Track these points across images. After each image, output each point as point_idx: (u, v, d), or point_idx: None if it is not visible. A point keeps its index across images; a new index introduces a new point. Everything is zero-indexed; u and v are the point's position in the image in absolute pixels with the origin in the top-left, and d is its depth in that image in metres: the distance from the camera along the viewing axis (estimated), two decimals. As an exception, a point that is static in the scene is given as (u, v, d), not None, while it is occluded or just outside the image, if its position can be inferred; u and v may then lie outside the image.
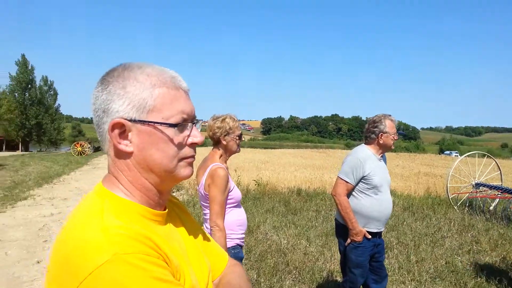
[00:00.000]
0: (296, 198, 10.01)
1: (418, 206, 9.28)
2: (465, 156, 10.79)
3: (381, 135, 3.15)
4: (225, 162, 2.68)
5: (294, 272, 4.72)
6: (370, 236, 3.11)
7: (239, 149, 2.72)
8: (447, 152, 72.69)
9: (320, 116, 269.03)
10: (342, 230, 3.25)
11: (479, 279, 4.64)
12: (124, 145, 0.82)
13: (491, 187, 9.22)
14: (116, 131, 0.81)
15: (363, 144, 3.31)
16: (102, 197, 0.81)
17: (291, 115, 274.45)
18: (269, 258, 5.09)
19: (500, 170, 10.19)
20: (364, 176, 3.08)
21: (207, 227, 2.55)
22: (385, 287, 3.39)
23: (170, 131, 0.82)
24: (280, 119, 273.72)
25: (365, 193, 3.12)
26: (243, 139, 2.74)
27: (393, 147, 3.24)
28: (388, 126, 3.16)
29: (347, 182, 3.10)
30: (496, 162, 10.22)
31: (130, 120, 0.81)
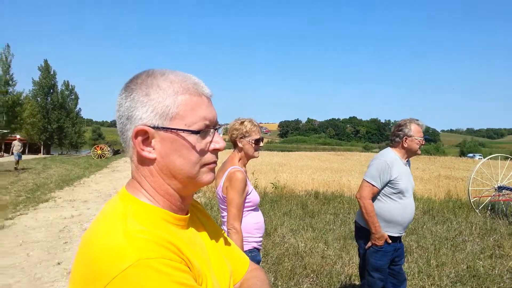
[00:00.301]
0: (314, 201, 9.95)
1: (439, 210, 9.11)
2: (487, 159, 10.57)
3: (406, 138, 3.12)
4: (244, 165, 2.68)
5: (311, 275, 4.69)
6: (390, 241, 3.07)
7: (257, 154, 2.69)
8: (470, 154, 71.17)
9: (338, 119, 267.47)
10: (362, 233, 3.21)
11: (502, 284, 4.52)
12: (147, 152, 0.83)
13: (514, 190, 9.00)
14: (140, 138, 0.82)
15: (389, 147, 3.27)
16: (126, 202, 0.82)
17: (308, 118, 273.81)
18: (286, 261, 5.06)
19: (524, 173, 9.92)
20: (391, 180, 3.04)
21: (224, 230, 2.56)
22: None
23: (193, 138, 0.83)
24: (297, 121, 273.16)
25: (390, 197, 3.08)
26: (261, 144, 2.70)
27: (419, 152, 3.18)
28: (414, 130, 3.12)
29: (373, 185, 3.05)
30: (519, 164, 9.95)
31: (153, 127, 0.81)
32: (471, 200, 9.42)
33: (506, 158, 11.04)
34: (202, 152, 0.85)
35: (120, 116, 0.84)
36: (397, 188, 3.05)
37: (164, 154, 0.83)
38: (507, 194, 9.19)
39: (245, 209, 2.57)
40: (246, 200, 2.56)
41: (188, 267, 0.77)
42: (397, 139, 3.17)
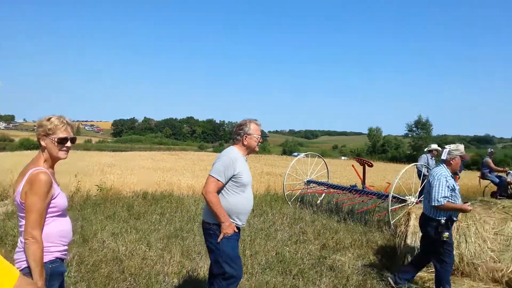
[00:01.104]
0: (141, 202, 9.71)
1: (258, 204, 9.89)
2: (301, 157, 12.06)
3: (246, 136, 3.43)
4: (51, 167, 2.43)
5: (129, 279, 4.54)
6: (237, 230, 3.34)
7: (64, 155, 2.42)
8: (295, 153, 79.71)
9: (175, 118, 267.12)
10: (212, 230, 3.31)
11: (302, 265, 5.19)
12: None
13: (319, 184, 10.47)
14: None
15: (232, 146, 3.53)
16: None
17: (145, 117, 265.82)
18: (103, 267, 4.80)
19: (327, 169, 11.59)
20: (235, 175, 3.30)
21: (21, 241, 2.28)
22: None
23: None
24: (133, 120, 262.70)
25: (234, 191, 3.34)
26: (68, 144, 2.42)
27: (257, 149, 3.55)
28: (253, 129, 3.45)
29: (218, 180, 3.25)
30: (324, 161, 11.58)
31: None
32: (285, 193, 10.59)
33: (315, 156, 12.74)
34: None
35: None
36: (240, 182, 3.34)
37: None
38: (314, 186, 10.62)
39: (49, 215, 2.33)
40: (51, 205, 2.33)
41: None
42: (238, 137, 3.47)
